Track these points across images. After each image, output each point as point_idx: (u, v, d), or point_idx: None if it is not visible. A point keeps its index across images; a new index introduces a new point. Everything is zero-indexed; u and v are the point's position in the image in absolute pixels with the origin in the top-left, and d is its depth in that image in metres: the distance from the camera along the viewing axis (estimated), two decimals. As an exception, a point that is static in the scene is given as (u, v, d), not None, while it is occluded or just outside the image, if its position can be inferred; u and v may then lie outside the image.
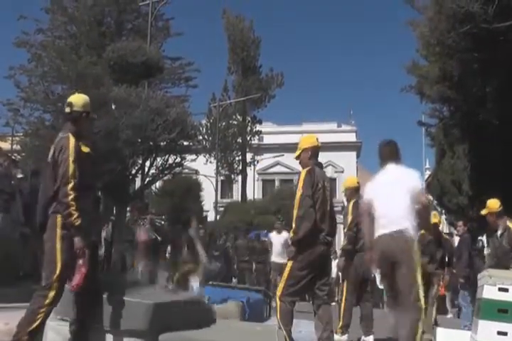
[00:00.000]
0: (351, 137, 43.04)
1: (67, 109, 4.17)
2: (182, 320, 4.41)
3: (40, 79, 17.53)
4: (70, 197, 3.84)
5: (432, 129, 20.80)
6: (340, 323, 6.22)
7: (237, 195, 38.40)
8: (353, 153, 42.81)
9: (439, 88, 14.15)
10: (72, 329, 4.14)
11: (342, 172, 41.01)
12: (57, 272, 3.83)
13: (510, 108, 12.06)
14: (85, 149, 4.08)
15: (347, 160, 41.50)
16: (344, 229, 6.41)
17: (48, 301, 3.82)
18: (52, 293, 3.82)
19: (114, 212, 14.25)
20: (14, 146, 19.97)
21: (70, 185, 3.86)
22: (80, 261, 3.85)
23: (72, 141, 3.97)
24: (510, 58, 11.27)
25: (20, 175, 8.45)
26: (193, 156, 17.48)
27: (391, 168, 4.71)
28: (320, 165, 5.06)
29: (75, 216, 3.84)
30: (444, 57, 12.99)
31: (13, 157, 13.56)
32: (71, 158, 3.90)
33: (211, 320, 4.76)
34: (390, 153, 4.80)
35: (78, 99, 4.22)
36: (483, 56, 11.65)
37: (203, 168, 28.30)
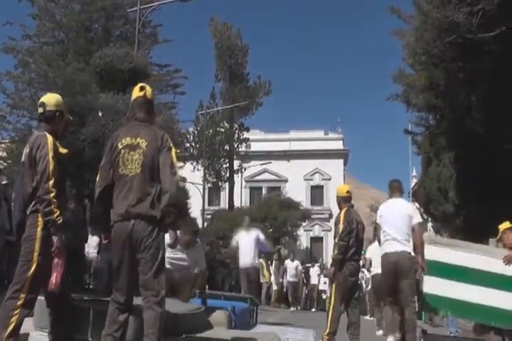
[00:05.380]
0: (338, 145, 43.21)
1: (40, 110, 4.08)
2: (169, 329, 4.36)
3: (27, 85, 17.44)
4: (52, 195, 3.72)
5: (418, 137, 20.96)
6: (328, 330, 6.25)
7: (224, 203, 38.34)
8: (340, 161, 43.01)
9: (425, 97, 14.28)
10: (50, 339, 3.99)
11: (329, 179, 41.18)
12: (31, 272, 3.70)
13: (496, 116, 12.21)
14: (63, 150, 4.00)
15: (334, 168, 41.66)
16: (335, 238, 6.42)
17: (20, 302, 3.66)
18: (24, 294, 3.67)
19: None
20: (0, 153, 19.82)
21: (51, 182, 3.74)
22: (57, 261, 3.70)
23: (49, 138, 3.89)
24: (495, 68, 11.43)
25: (4, 182, 8.35)
26: (181, 164, 17.48)
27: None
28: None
29: (56, 214, 3.73)
30: (430, 67, 13.13)
31: (-2, 164, 13.45)
32: (50, 154, 3.80)
33: (199, 328, 4.74)
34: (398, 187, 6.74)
35: (50, 99, 4.14)
36: (469, 65, 11.79)
37: (190, 175, 28.22)
